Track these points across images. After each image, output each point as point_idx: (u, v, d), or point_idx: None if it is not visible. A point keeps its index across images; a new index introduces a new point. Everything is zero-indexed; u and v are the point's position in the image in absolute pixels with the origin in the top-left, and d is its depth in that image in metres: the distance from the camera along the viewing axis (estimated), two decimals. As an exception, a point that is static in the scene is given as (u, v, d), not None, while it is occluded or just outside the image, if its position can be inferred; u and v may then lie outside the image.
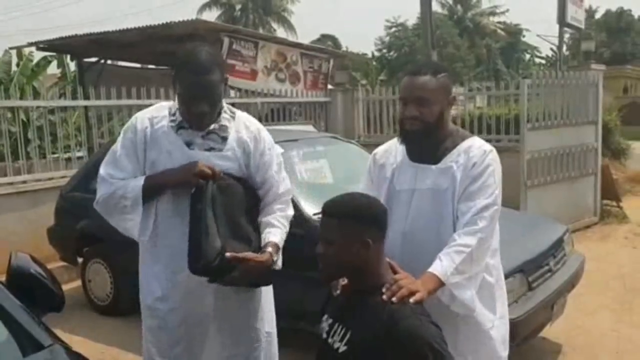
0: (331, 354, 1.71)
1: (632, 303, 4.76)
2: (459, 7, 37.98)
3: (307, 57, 9.73)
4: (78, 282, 5.02)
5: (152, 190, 2.11)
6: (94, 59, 9.97)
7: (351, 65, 15.78)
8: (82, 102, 7.22)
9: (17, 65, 11.72)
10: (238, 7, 38.17)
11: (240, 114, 2.28)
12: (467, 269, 1.89)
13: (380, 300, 1.65)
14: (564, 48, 23.14)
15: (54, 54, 11.50)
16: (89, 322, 4.52)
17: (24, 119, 7.60)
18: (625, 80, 26.19)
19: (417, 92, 1.97)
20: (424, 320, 1.62)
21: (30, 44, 9.38)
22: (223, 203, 2.09)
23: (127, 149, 2.15)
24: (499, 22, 37.65)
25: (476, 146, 2.03)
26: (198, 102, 2.07)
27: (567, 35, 25.84)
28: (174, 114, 2.18)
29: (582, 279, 4.00)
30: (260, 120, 2.59)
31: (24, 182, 5.77)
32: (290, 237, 2.25)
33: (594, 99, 7.51)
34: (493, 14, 38.24)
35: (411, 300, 1.65)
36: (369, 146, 5.63)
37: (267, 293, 2.33)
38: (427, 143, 2.04)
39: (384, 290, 1.66)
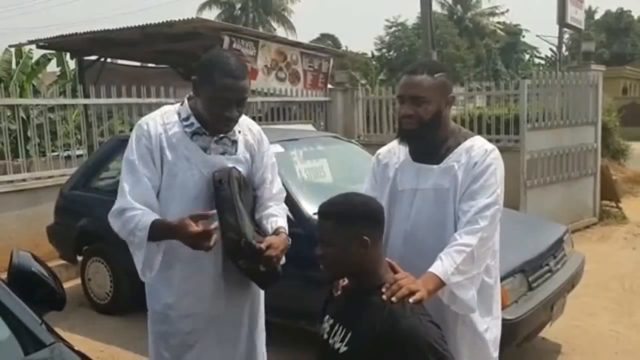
0: (332, 354, 1.70)
1: (631, 303, 4.77)
2: (458, 7, 38.03)
3: (307, 56, 9.71)
4: (77, 281, 5.01)
5: (158, 237, 2.01)
6: (94, 57, 9.95)
7: (351, 64, 15.74)
8: (82, 101, 7.23)
9: (17, 63, 11.69)
10: (238, 6, 38.17)
11: (243, 117, 2.28)
12: (468, 268, 1.88)
13: (380, 300, 1.65)
14: (564, 48, 23.16)
15: (53, 52, 11.48)
16: (88, 321, 4.52)
17: (24, 117, 7.57)
18: (624, 81, 26.23)
19: (412, 91, 1.97)
20: (424, 320, 1.62)
21: (31, 42, 9.35)
22: (244, 196, 2.14)
23: (144, 157, 2.06)
24: (499, 23, 37.71)
25: (478, 145, 2.03)
26: (232, 107, 2.04)
27: (566, 36, 25.89)
28: (186, 119, 2.12)
29: (582, 280, 4.01)
30: (260, 119, 2.60)
31: (24, 180, 5.76)
32: (290, 236, 2.25)
33: (593, 100, 7.51)
34: (493, 14, 38.29)
35: (411, 300, 1.65)
36: (369, 146, 5.66)
37: (261, 297, 2.39)
38: (427, 142, 2.03)
39: (383, 290, 1.66)
